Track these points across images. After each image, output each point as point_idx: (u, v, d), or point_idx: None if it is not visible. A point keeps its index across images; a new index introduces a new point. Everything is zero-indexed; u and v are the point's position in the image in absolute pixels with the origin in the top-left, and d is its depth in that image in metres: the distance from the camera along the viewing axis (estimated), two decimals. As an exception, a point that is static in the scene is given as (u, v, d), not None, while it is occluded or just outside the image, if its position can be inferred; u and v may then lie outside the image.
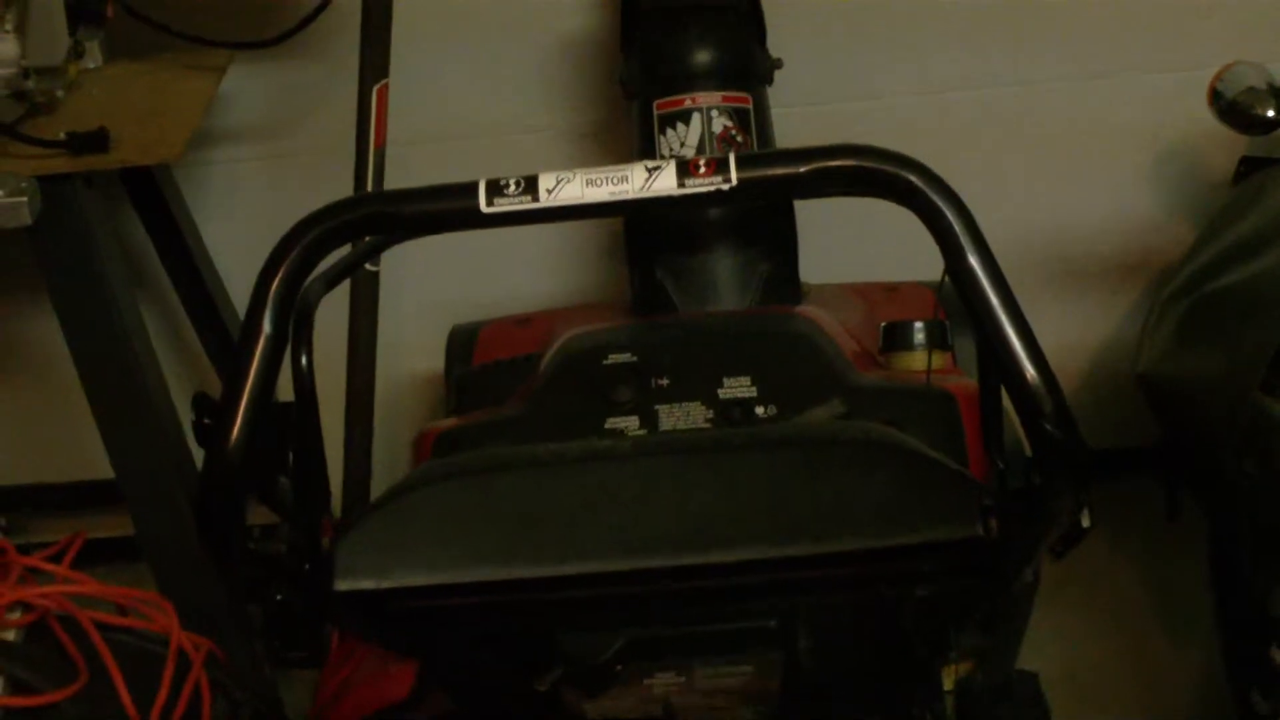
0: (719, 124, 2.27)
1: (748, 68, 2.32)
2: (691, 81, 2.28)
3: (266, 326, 1.21)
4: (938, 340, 2.02)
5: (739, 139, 2.27)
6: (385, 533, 1.34)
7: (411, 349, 2.74)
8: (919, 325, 2.02)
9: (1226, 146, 2.49)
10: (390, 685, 1.97)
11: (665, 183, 1.19)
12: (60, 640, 1.80)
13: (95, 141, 2.11)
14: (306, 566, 1.32)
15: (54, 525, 2.81)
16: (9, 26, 2.15)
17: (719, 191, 1.19)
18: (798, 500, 1.32)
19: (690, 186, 1.19)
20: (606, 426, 1.90)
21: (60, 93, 2.28)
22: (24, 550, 1.90)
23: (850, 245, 2.60)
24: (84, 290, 2.21)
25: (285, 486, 1.36)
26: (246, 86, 2.61)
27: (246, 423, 1.21)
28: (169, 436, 2.28)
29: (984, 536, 1.28)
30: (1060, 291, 2.74)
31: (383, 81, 2.41)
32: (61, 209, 2.13)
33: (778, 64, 2.38)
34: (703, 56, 2.29)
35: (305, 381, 1.35)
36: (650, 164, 1.20)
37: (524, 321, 2.38)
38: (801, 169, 1.20)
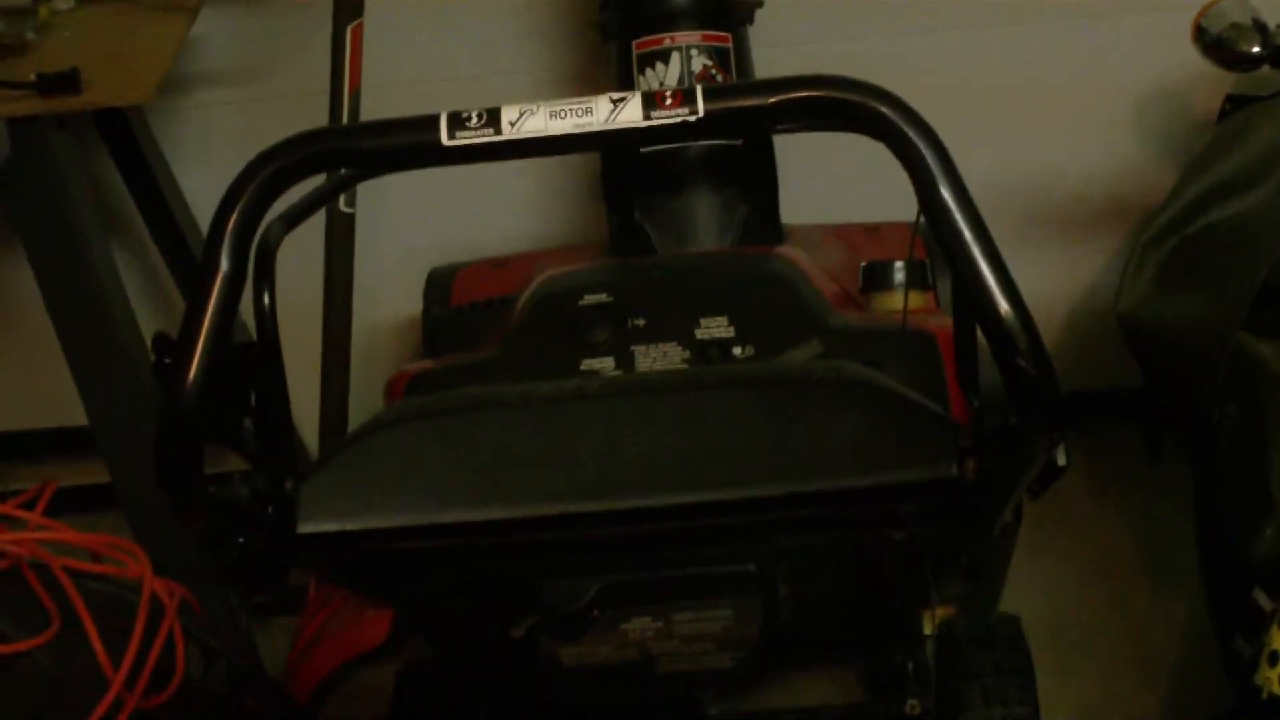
0: (698, 63, 2.24)
1: (728, 7, 2.29)
2: (671, 20, 2.25)
3: (224, 264, 1.18)
4: (918, 279, 2.00)
5: (719, 78, 2.24)
6: (350, 475, 1.32)
7: (392, 293, 2.72)
8: (899, 265, 2.00)
9: (1212, 86, 2.46)
10: (367, 631, 1.97)
11: (631, 114, 1.17)
12: (33, 588, 1.78)
13: (66, 83, 2.09)
14: (270, 510, 1.30)
15: (27, 472, 2.80)
16: (-24, -33, 2.13)
17: (685, 123, 1.17)
18: (770, 440, 1.30)
19: (656, 118, 1.17)
20: (582, 368, 1.89)
21: (31, 34, 2.25)
22: (-3, 497, 1.88)
23: (832, 186, 2.57)
24: (56, 234, 2.19)
25: (249, 429, 1.34)
26: (219, 28, 2.57)
27: (204, 362, 1.18)
28: (142, 381, 2.26)
29: (960, 477, 1.26)
30: (1044, 234, 2.71)
31: (357, 21, 2.37)
32: (32, 151, 2.11)
33: (759, 3, 2.35)
34: (682, -5, 2.26)
35: (268, 322, 1.33)
36: (615, 95, 1.17)
37: (501, 263, 2.35)
38: (769, 100, 1.17)
